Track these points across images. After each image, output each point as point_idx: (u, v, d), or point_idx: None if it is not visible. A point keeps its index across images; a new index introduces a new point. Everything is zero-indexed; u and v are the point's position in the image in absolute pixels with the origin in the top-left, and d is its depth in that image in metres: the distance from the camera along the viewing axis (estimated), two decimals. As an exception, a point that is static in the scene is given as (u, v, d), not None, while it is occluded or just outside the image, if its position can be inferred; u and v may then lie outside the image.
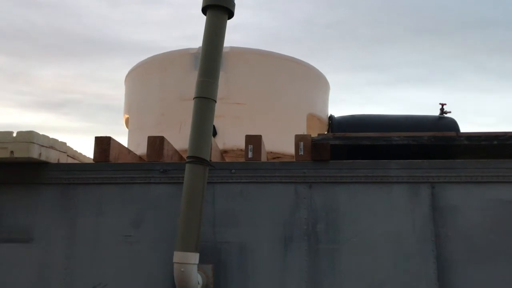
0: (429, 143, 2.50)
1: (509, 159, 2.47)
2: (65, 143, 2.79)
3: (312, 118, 3.74)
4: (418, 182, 2.42)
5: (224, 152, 3.35)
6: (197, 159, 2.25)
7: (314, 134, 2.71)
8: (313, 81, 3.80)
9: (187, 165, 2.26)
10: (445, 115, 3.75)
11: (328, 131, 3.92)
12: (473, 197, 2.41)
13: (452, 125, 3.61)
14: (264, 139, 2.78)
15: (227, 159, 3.45)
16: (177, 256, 2.18)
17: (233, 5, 2.45)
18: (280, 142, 3.33)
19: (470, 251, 2.35)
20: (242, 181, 2.52)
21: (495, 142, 2.49)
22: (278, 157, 3.50)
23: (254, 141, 2.61)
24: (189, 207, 2.21)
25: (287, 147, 3.07)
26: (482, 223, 2.38)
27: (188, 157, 2.28)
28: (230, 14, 2.47)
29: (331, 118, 3.90)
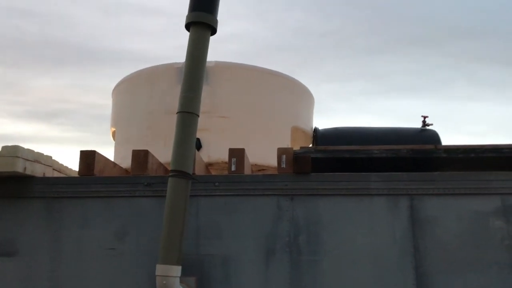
0: (408, 156, 2.55)
1: (486, 171, 2.53)
2: (50, 157, 2.81)
3: (296, 130, 3.80)
4: (397, 194, 2.47)
5: (209, 165, 3.39)
6: (180, 173, 2.29)
7: (298, 147, 2.76)
8: (297, 95, 3.86)
9: (170, 179, 2.30)
10: (427, 127, 3.82)
11: (313, 144, 3.98)
12: (451, 209, 2.46)
13: (434, 137, 3.69)
14: (249, 152, 2.82)
15: (213, 172, 3.48)
16: (160, 269, 2.20)
17: (216, 22, 2.51)
18: (265, 154, 3.38)
19: (448, 262, 2.40)
20: (225, 193, 2.55)
21: (472, 155, 2.55)
22: (263, 170, 3.54)
23: (237, 154, 2.65)
24: (172, 220, 2.24)
25: (272, 160, 3.11)
26: (459, 235, 2.43)
27: (171, 171, 2.31)
28: (213, 31, 2.52)
29: (315, 130, 3.96)
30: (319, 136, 3.86)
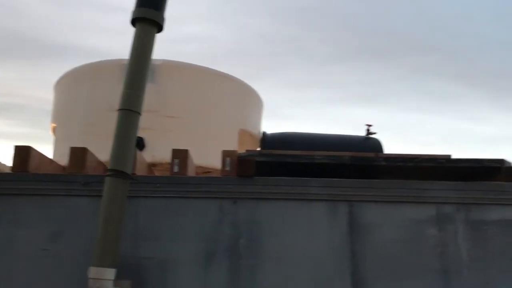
0: (349, 163, 2.59)
1: (424, 180, 2.61)
2: (-19, 151, 2.67)
3: (244, 133, 3.79)
4: (337, 200, 2.50)
5: (153, 165, 3.32)
6: (118, 173, 2.22)
7: (245, 150, 2.75)
8: (246, 98, 3.86)
9: (107, 179, 2.23)
10: (371, 135, 3.92)
11: (260, 147, 3.99)
12: (389, 216, 2.51)
13: (377, 145, 3.78)
14: (194, 153, 2.78)
15: (157, 173, 3.42)
16: (93, 271, 2.12)
17: (163, 19, 2.46)
18: (211, 156, 3.34)
19: (385, 268, 2.44)
20: (166, 195, 2.50)
21: (410, 164, 2.62)
22: (208, 172, 3.50)
23: (180, 155, 2.61)
24: (107, 221, 2.17)
25: (218, 162, 3.09)
26: (396, 241, 2.49)
27: (108, 170, 2.24)
28: (160, 28, 2.47)
29: (263, 134, 3.98)
30: (267, 140, 3.88)
